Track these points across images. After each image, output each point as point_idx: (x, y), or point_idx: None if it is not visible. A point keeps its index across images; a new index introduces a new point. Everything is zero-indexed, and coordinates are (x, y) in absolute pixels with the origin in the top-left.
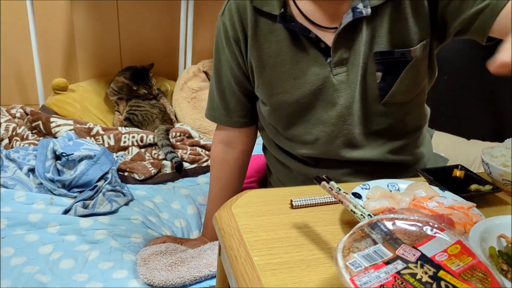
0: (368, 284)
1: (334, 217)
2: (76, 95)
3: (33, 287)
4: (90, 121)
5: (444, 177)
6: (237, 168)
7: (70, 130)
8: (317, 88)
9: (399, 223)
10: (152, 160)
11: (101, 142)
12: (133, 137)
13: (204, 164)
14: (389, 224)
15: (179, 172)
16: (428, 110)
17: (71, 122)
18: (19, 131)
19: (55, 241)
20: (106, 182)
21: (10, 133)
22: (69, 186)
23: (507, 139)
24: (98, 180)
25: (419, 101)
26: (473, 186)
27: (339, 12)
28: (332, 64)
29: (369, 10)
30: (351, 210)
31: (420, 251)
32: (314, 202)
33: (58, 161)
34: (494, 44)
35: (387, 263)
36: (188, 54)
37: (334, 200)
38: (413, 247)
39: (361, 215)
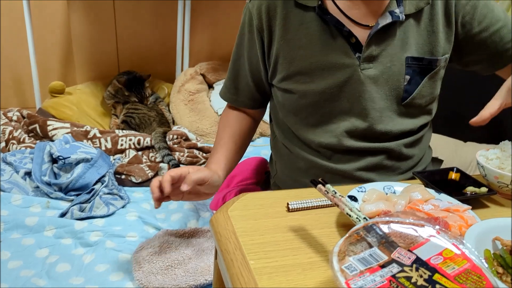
0: (363, 287)
1: (330, 220)
2: (73, 98)
3: None
4: (87, 124)
5: (439, 179)
6: (246, 128)
7: (67, 133)
8: (344, 80)
9: (394, 226)
10: (149, 163)
11: (98, 145)
12: (130, 140)
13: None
14: (384, 227)
15: None
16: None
17: (68, 125)
18: (15, 134)
19: (52, 244)
20: (103, 185)
21: (6, 136)
22: (65, 190)
23: (502, 142)
24: (95, 183)
25: (432, 108)
26: (469, 189)
27: (373, 11)
28: (362, 60)
29: (404, 16)
30: (347, 213)
31: (416, 254)
32: (311, 205)
33: (55, 164)
34: None
35: (383, 266)
36: (185, 56)
37: (330, 203)
38: (409, 250)
39: (357, 218)
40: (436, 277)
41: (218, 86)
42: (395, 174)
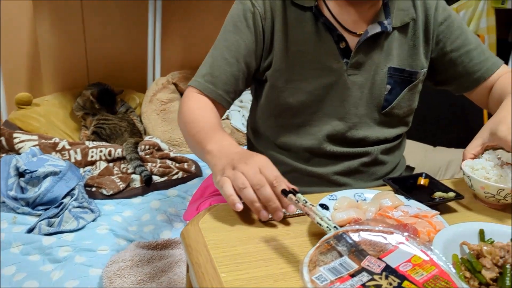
0: None
1: (302, 229)
2: (41, 109)
3: None
4: (56, 136)
5: (409, 185)
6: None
7: (35, 145)
8: (331, 83)
9: (364, 235)
10: (120, 175)
11: (67, 158)
12: (101, 151)
13: (175, 177)
14: (354, 236)
15: (149, 185)
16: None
17: (35, 137)
18: None
19: (19, 261)
20: (73, 198)
21: None
22: (33, 204)
23: (486, 151)
24: (64, 197)
25: (409, 120)
26: (437, 194)
27: (362, 20)
28: (349, 65)
29: (391, 28)
30: (317, 223)
31: (385, 262)
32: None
33: (22, 178)
34: None
35: (353, 275)
36: (156, 66)
37: (302, 212)
38: (378, 258)
39: (327, 227)
40: (405, 284)
41: None
42: (371, 179)
